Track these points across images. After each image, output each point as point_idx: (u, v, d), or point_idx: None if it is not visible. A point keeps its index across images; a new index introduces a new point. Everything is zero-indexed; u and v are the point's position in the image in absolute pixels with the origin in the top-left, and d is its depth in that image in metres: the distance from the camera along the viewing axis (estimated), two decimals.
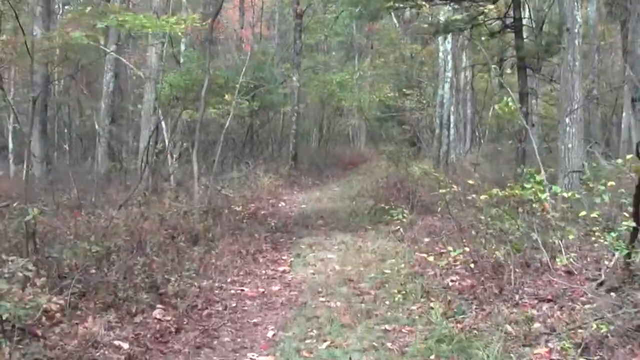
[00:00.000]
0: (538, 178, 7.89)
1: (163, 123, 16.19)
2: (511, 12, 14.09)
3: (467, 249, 7.73)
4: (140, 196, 11.15)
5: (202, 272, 8.18)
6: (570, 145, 11.75)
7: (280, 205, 17.13)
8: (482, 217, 8.69)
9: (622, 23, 17.42)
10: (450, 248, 8.10)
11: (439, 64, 19.44)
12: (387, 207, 12.95)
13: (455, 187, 9.69)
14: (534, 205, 7.74)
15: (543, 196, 7.63)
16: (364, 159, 32.38)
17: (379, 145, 38.77)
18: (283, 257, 10.25)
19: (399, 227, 11.42)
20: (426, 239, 10.90)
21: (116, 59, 22.02)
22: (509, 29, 14.19)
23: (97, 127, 23.64)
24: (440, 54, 18.34)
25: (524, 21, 13.99)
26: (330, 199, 18.28)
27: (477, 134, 26.01)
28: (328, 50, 38.67)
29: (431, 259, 7.88)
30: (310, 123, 31.26)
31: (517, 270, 7.14)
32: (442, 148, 17.90)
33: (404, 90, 23.31)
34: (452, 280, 7.92)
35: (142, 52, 24.20)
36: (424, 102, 21.22)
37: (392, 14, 29.32)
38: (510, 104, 9.73)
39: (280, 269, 9.29)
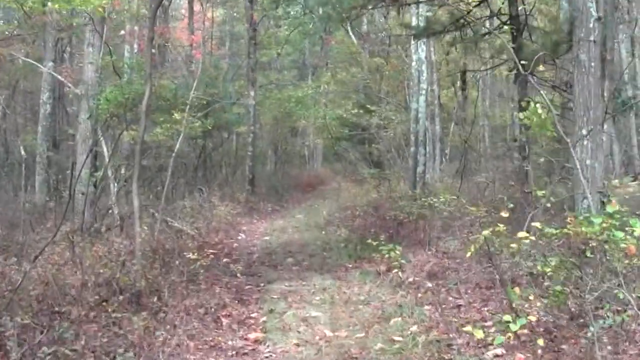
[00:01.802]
0: (609, 208, 5.59)
1: (104, 146, 13.60)
2: (505, 9, 11.86)
3: (531, 318, 5.30)
4: (71, 236, 8.55)
5: (143, 355, 5.59)
6: (588, 162, 9.51)
7: (239, 237, 14.59)
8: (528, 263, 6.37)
9: None
10: (486, 309, 5.77)
11: (411, 75, 17.16)
12: (368, 240, 10.64)
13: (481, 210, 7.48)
14: (606, 246, 5.45)
15: (619, 235, 5.31)
16: (321, 181, 30.20)
17: (334, 166, 36.77)
18: (252, 315, 7.71)
19: (393, 268, 9.04)
20: (428, 283, 8.50)
21: (54, 78, 19.42)
22: (502, 28, 11.91)
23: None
24: (414, 64, 16.05)
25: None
26: (295, 228, 15.80)
27: (445, 151, 23.89)
28: (280, 70, 36.35)
29: (471, 328, 5.41)
30: (264, 144, 28.75)
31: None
32: (419, 167, 15.56)
33: (368, 106, 20.98)
34: (497, 356, 5.52)
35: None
36: (394, 118, 18.88)
37: (349, 28, 27.23)
38: (540, 111, 7.51)
39: (252, 336, 6.73)
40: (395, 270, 8.77)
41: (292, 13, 32.03)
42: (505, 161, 19.58)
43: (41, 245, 8.45)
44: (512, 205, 7.46)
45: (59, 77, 17.85)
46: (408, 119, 22.42)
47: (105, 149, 13.77)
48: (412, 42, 15.88)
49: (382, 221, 12.81)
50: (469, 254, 6.19)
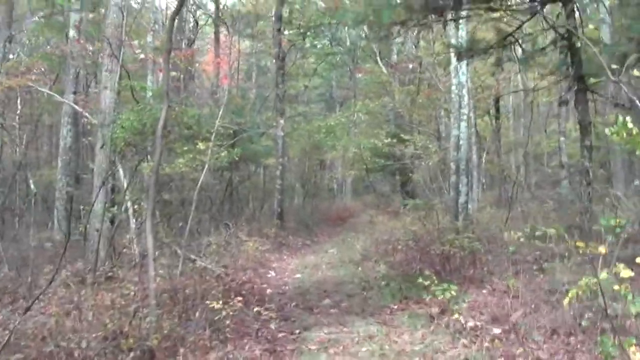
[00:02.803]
0: None
1: (122, 178, 12.45)
2: (560, 21, 10.51)
3: None
4: (74, 281, 7.31)
5: None
6: None
7: (269, 275, 13.26)
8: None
9: None
10: None
11: (450, 101, 15.85)
12: (413, 278, 9.30)
13: None
14: None
15: None
16: (351, 214, 28.84)
17: (364, 199, 35.40)
18: None
19: (448, 310, 7.66)
20: (494, 329, 7.08)
21: (75, 110, 18.47)
22: (558, 43, 10.55)
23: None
24: (454, 88, 14.74)
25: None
26: (328, 264, 14.41)
27: (482, 180, 22.48)
28: (307, 102, 35.34)
29: None
30: (292, 177, 27.51)
31: None
32: (461, 198, 14.18)
33: (402, 135, 19.69)
34: None
35: None
36: (430, 146, 17.57)
37: (378, 58, 26.18)
38: (630, 125, 6.15)
39: None
40: (455, 315, 7.36)
41: (319, 46, 31.16)
42: (556, 189, 18.21)
43: (49, 287, 7.26)
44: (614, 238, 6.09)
45: (77, 107, 16.81)
46: (443, 148, 21.20)
47: (124, 182, 12.66)
48: (453, 64, 14.60)
49: (424, 255, 11.38)
50: (567, 301, 4.80)
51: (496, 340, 6.60)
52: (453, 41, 13.77)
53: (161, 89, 12.77)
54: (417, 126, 23.27)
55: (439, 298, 7.85)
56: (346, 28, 30.56)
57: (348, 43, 30.53)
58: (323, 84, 36.51)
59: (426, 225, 12.04)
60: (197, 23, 29.30)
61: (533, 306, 7.62)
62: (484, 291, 9.09)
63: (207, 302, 6.92)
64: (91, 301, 6.45)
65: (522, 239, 8.54)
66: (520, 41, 10.94)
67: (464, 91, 14.38)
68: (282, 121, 19.17)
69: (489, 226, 13.10)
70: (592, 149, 9.80)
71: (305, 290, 11.30)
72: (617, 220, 6.39)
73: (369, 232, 17.92)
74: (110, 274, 9.15)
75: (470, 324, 7.30)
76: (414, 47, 25.36)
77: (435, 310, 8.13)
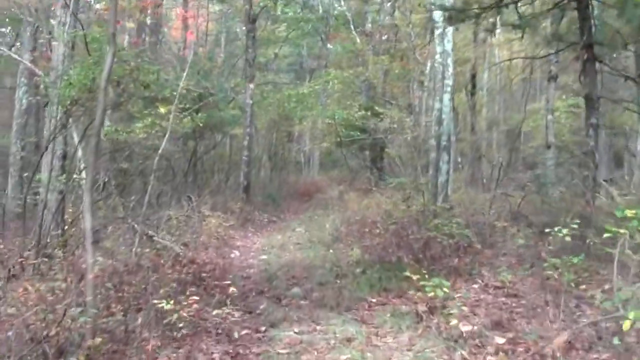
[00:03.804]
0: None
1: (77, 142, 11.06)
2: None
3: None
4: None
5: None
6: None
7: (233, 255, 12.09)
8: None
9: None
10: None
11: (433, 70, 14.67)
12: (394, 266, 8.26)
13: None
14: None
15: None
16: (318, 189, 27.71)
17: (331, 173, 34.22)
18: None
19: (437, 308, 6.58)
20: (496, 338, 5.99)
21: (32, 70, 17.01)
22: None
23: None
24: (437, 57, 13.50)
25: None
26: (296, 245, 13.25)
27: (459, 159, 21.45)
28: (277, 71, 33.92)
29: None
30: (259, 149, 26.16)
31: None
32: (441, 177, 13.06)
33: (377, 108, 18.49)
34: None
35: None
36: (408, 120, 16.41)
37: (352, 26, 24.91)
38: None
39: None
40: (448, 318, 6.24)
41: (290, 14, 29.69)
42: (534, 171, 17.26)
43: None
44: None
45: (32, 66, 15.31)
46: (416, 122, 20.07)
47: (78, 147, 11.33)
48: (438, 31, 13.35)
49: (403, 241, 10.22)
50: (627, 324, 3.70)
51: (501, 354, 5.51)
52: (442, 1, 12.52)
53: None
54: (389, 99, 22.11)
55: (429, 295, 6.73)
56: None
57: (321, 11, 29.17)
58: (293, 53, 35.11)
59: (410, 207, 10.88)
60: None
61: (537, 308, 6.58)
62: (475, 286, 8.03)
63: (156, 301, 5.65)
64: (14, 294, 5.19)
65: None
66: (517, 4, 9.73)
67: (449, 60, 13.14)
68: (252, 86, 17.80)
69: (474, 210, 12.03)
70: (598, 126, 8.72)
71: (271, 274, 10.14)
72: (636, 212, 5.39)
73: (338, 210, 16.76)
74: (48, 256, 7.84)
75: (466, 328, 6.20)
76: (389, 15, 24.11)
77: (421, 307, 7.01)
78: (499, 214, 11.87)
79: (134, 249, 9.86)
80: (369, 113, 18.49)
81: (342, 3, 27.30)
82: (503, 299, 7.31)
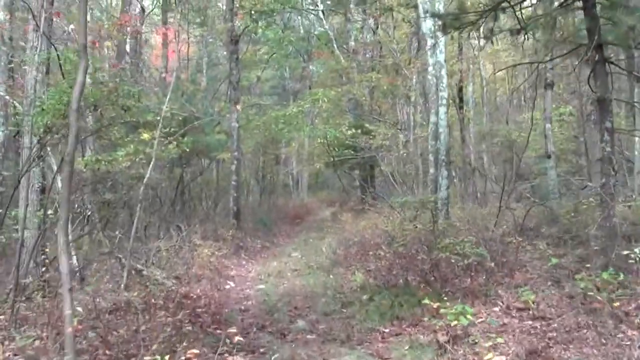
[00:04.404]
0: None
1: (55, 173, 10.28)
2: None
3: None
4: None
5: None
6: None
7: (228, 286, 11.33)
8: None
9: None
10: None
11: (427, 83, 14.06)
12: (402, 291, 7.56)
13: None
14: None
15: None
16: (308, 211, 27.14)
17: (319, 195, 33.62)
18: None
19: (459, 337, 5.89)
20: None
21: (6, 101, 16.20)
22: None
23: None
24: (431, 69, 12.91)
25: None
26: (294, 271, 12.55)
27: (452, 173, 20.79)
28: (260, 95, 33.30)
29: None
30: (247, 173, 25.43)
31: None
32: (441, 193, 12.41)
33: (367, 125, 17.87)
34: None
35: None
36: (401, 137, 15.78)
37: (335, 45, 24.35)
38: None
39: None
40: (483, 352, 5.54)
41: (271, 36, 29.12)
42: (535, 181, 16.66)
43: None
44: None
45: (8, 97, 14.53)
46: (406, 139, 19.45)
47: (57, 180, 10.53)
48: (429, 41, 12.77)
49: (410, 263, 9.50)
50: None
51: None
52: (436, 7, 11.90)
53: (96, 61, 10.61)
54: (377, 117, 21.50)
55: (452, 325, 6.03)
56: (299, 16, 28.81)
57: (302, 31, 28.66)
58: (275, 75, 34.57)
59: (417, 227, 10.18)
60: (144, 10, 26.91)
61: (575, 333, 5.89)
62: (496, 309, 7.32)
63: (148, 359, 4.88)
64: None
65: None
66: (514, 8, 9.11)
67: (443, 72, 12.53)
68: (235, 114, 17.07)
69: (478, 225, 11.34)
70: (614, 132, 8.10)
71: (271, 306, 9.40)
72: None
73: (333, 232, 16.06)
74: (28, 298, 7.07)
75: (499, 358, 5.50)
76: (372, 32, 23.65)
77: (442, 337, 6.30)
78: (505, 229, 11.25)
79: (122, 285, 9.16)
80: (359, 131, 17.86)
81: (324, 22, 26.76)
82: (530, 322, 6.62)
